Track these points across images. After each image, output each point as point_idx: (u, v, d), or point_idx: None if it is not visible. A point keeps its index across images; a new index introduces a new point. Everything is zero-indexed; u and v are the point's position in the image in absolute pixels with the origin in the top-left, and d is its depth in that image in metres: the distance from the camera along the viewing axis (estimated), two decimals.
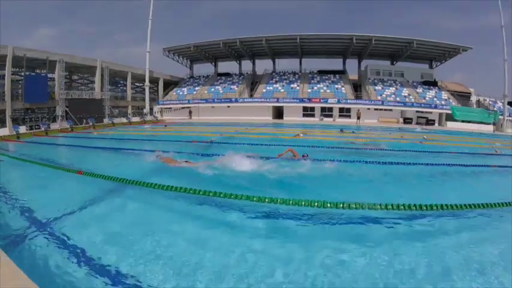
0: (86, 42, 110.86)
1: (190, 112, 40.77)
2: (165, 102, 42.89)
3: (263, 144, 15.62)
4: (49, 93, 29.82)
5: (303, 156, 11.60)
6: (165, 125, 31.32)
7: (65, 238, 4.91)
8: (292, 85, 42.08)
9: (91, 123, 29.68)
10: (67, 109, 30.22)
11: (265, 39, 40.14)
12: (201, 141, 17.20)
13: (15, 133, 22.48)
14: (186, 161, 10.37)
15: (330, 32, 39.00)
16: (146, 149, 14.30)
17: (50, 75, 30.66)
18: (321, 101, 37.96)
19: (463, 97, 41.42)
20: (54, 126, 26.94)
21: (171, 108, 42.35)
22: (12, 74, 27.20)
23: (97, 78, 35.66)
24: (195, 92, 43.66)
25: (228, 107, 39.51)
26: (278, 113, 39.99)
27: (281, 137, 20.57)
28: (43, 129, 24.93)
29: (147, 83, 40.22)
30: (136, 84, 45.13)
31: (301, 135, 20.82)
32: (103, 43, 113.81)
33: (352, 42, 38.44)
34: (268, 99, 39.37)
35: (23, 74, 28.76)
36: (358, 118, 35.04)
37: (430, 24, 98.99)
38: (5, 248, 3.91)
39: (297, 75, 44.57)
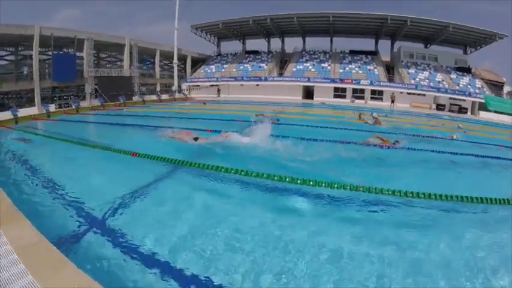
0: (107, 22, 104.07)
1: (218, 90, 36.39)
2: (193, 80, 38.52)
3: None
4: (77, 72, 26.50)
5: (394, 143, 10.32)
6: (204, 103, 27.69)
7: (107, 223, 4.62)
8: (323, 64, 37.00)
9: (122, 101, 26.31)
10: (96, 87, 26.67)
11: (296, 17, 34.88)
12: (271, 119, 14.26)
13: (45, 111, 19.64)
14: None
15: (364, 11, 33.50)
16: (202, 128, 12.15)
17: (78, 54, 27.33)
18: (353, 82, 33.19)
19: (496, 86, 35.94)
20: (84, 104, 24.20)
21: (199, 85, 38.13)
22: (39, 54, 24.07)
23: (125, 56, 31.64)
24: (223, 70, 39.04)
25: (257, 85, 35.10)
26: (307, 93, 35.46)
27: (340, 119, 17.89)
28: (73, 107, 22.17)
29: (175, 60, 35.73)
30: (163, 61, 40.63)
31: (370, 117, 17.11)
32: (123, 23, 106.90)
33: (387, 22, 33.03)
34: (298, 79, 34.70)
35: (50, 53, 25.68)
36: (393, 102, 30.48)
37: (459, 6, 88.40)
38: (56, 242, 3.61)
39: (327, 55, 39.24)
